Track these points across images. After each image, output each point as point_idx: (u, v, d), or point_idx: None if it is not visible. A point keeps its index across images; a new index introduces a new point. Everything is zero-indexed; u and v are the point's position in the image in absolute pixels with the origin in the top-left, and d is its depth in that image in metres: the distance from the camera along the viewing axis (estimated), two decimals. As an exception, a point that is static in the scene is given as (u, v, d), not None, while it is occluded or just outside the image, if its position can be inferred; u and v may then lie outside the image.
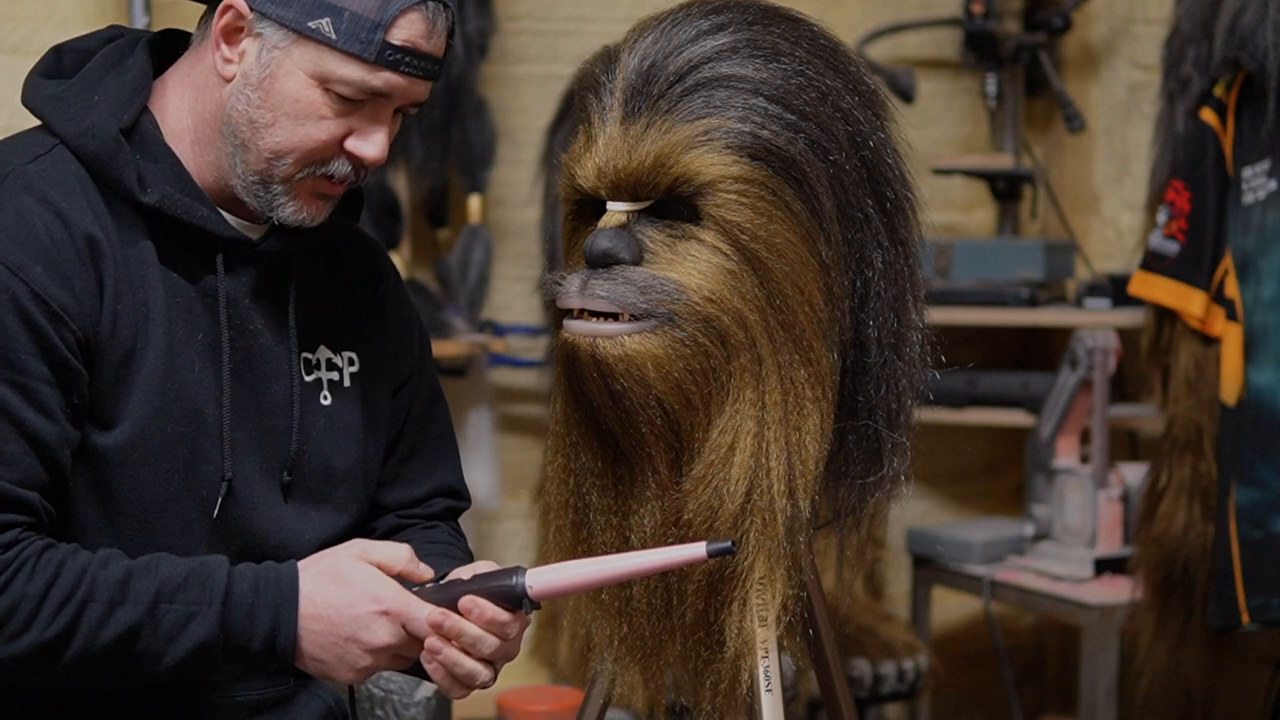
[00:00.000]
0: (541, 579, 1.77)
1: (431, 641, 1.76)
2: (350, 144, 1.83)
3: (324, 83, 1.80)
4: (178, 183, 1.84)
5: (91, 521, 1.80)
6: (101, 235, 1.79)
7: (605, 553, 1.89)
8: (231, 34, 1.83)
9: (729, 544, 1.74)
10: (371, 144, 1.83)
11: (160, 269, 1.83)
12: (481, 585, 1.77)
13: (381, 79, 1.80)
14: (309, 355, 1.94)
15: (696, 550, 1.75)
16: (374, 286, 2.02)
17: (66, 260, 1.77)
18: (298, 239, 1.90)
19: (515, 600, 1.76)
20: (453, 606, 1.76)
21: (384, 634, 1.76)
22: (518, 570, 1.77)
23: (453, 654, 1.76)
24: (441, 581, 1.80)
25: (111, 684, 1.77)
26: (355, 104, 1.82)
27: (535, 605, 1.77)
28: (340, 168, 1.84)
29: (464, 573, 1.81)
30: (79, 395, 1.77)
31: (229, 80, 1.83)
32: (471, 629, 1.76)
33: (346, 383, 1.96)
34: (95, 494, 1.80)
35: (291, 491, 1.90)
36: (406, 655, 1.78)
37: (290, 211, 1.84)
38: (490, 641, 1.76)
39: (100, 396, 1.79)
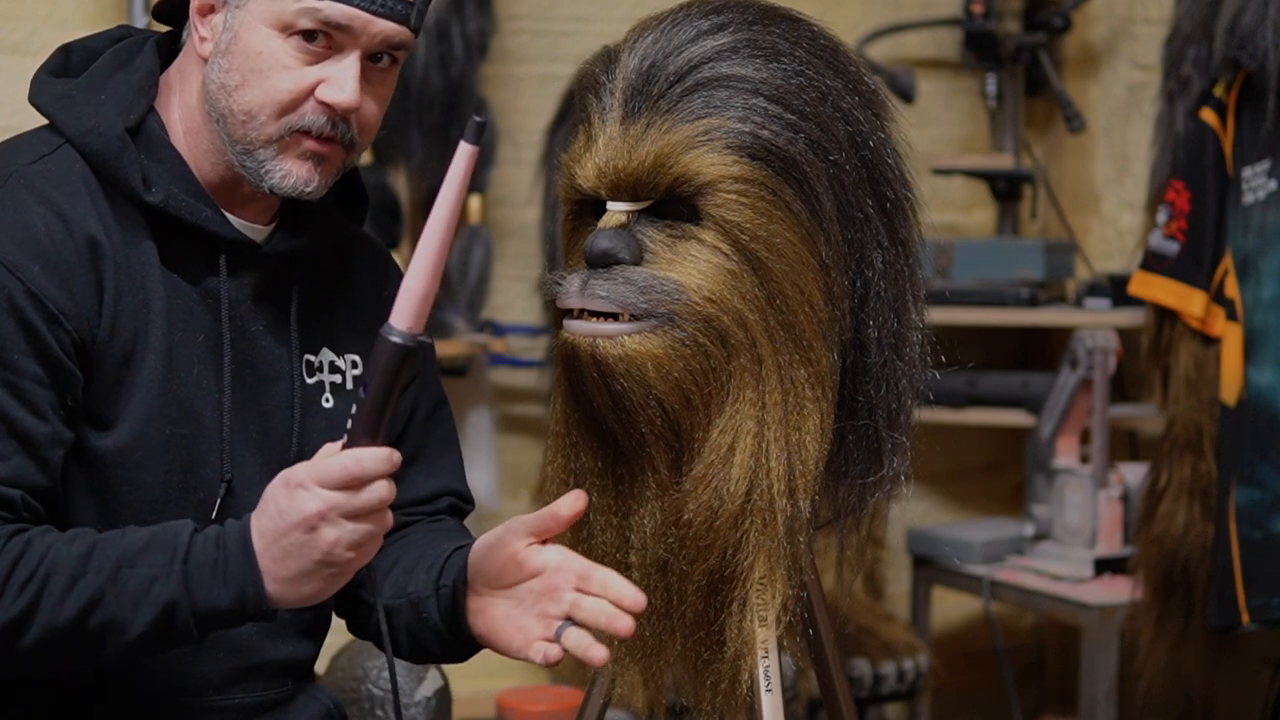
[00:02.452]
0: (404, 313, 1.67)
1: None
2: (320, 91, 1.80)
3: (285, 29, 1.78)
4: (182, 183, 1.84)
5: (90, 522, 1.79)
6: (103, 237, 1.79)
7: (605, 554, 1.89)
8: (205, 11, 1.83)
9: (479, 120, 1.69)
10: (338, 87, 1.80)
11: (162, 270, 1.82)
12: (375, 372, 1.67)
13: (336, 9, 1.78)
14: (311, 357, 1.93)
15: (465, 151, 1.68)
16: (379, 290, 2.01)
17: (66, 261, 1.76)
18: (302, 240, 1.89)
19: (407, 351, 1.66)
20: (378, 414, 1.66)
21: (308, 502, 1.66)
22: (385, 332, 1.67)
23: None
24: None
25: (82, 662, 1.74)
26: (320, 47, 1.79)
27: (417, 338, 1.67)
28: (315, 120, 1.80)
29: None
30: (73, 397, 1.76)
31: (206, 59, 1.83)
32: None
33: (349, 385, 1.96)
34: (93, 495, 1.80)
35: None
36: (352, 509, 1.65)
37: (279, 177, 1.82)
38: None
39: (98, 398, 1.79)
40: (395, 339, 1.67)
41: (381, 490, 1.67)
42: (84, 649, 1.71)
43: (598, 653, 1.70)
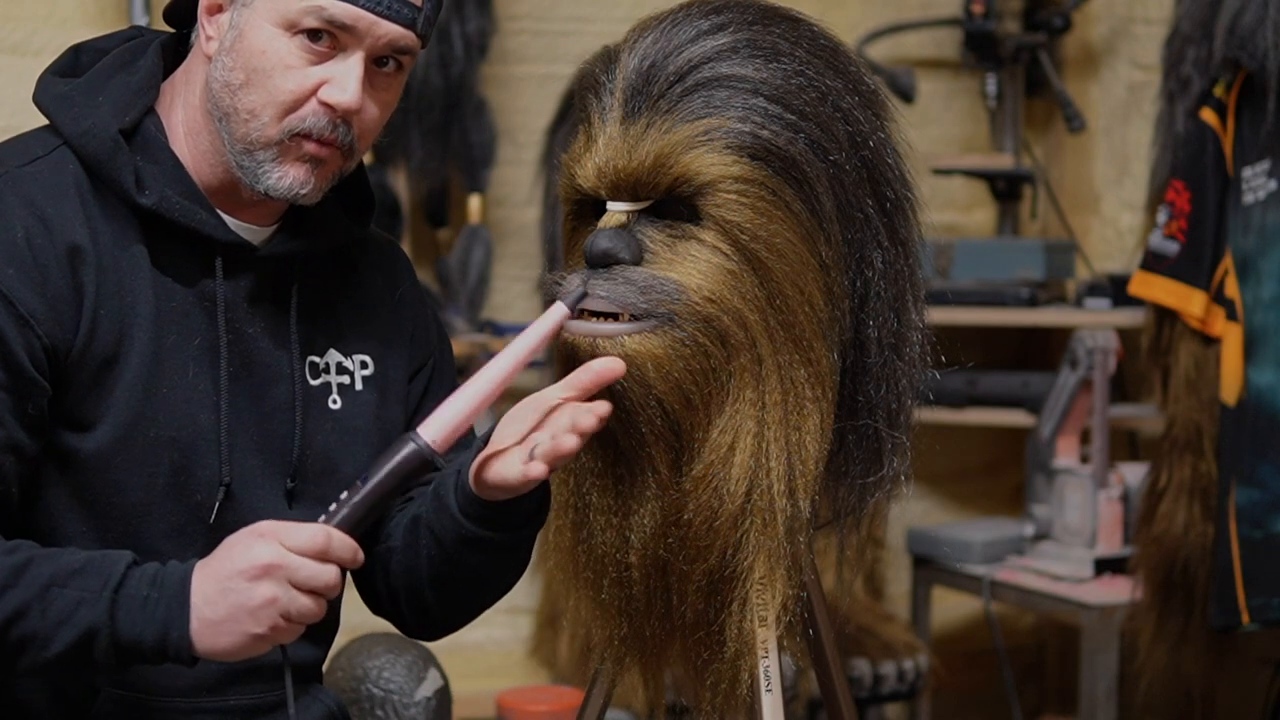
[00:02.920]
0: (435, 429, 1.73)
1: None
2: (322, 92, 1.79)
3: (290, 28, 1.78)
4: (177, 185, 1.83)
5: (74, 526, 1.79)
6: (88, 242, 1.78)
7: (605, 554, 1.89)
8: (213, 10, 1.83)
9: (579, 288, 1.75)
10: (340, 88, 1.79)
11: (153, 274, 1.81)
12: (384, 467, 1.71)
13: (341, 8, 1.77)
14: (315, 359, 1.91)
15: (558, 310, 1.75)
16: (391, 288, 1.99)
17: (43, 266, 1.75)
18: (301, 241, 1.88)
19: (423, 461, 1.72)
20: (367, 507, 1.71)
21: (263, 552, 1.66)
22: (412, 435, 1.72)
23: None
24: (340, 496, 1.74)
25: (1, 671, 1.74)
26: (325, 47, 1.78)
27: (436, 456, 1.73)
28: (316, 121, 1.79)
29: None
30: (35, 406, 1.75)
31: (211, 57, 1.82)
32: None
33: (358, 386, 1.94)
34: (76, 499, 1.79)
35: (296, 497, 1.88)
36: (301, 578, 1.67)
37: (276, 179, 1.81)
38: None
39: (78, 401, 1.78)
40: (418, 445, 1.72)
41: (334, 576, 1.69)
42: (1, 658, 1.71)
43: (568, 442, 1.71)
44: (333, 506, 1.72)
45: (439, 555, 1.90)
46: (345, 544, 1.70)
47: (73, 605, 1.69)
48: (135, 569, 1.71)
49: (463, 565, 1.89)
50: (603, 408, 1.73)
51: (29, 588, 1.68)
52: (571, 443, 1.71)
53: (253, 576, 1.67)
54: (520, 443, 1.75)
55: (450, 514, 1.85)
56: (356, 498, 1.72)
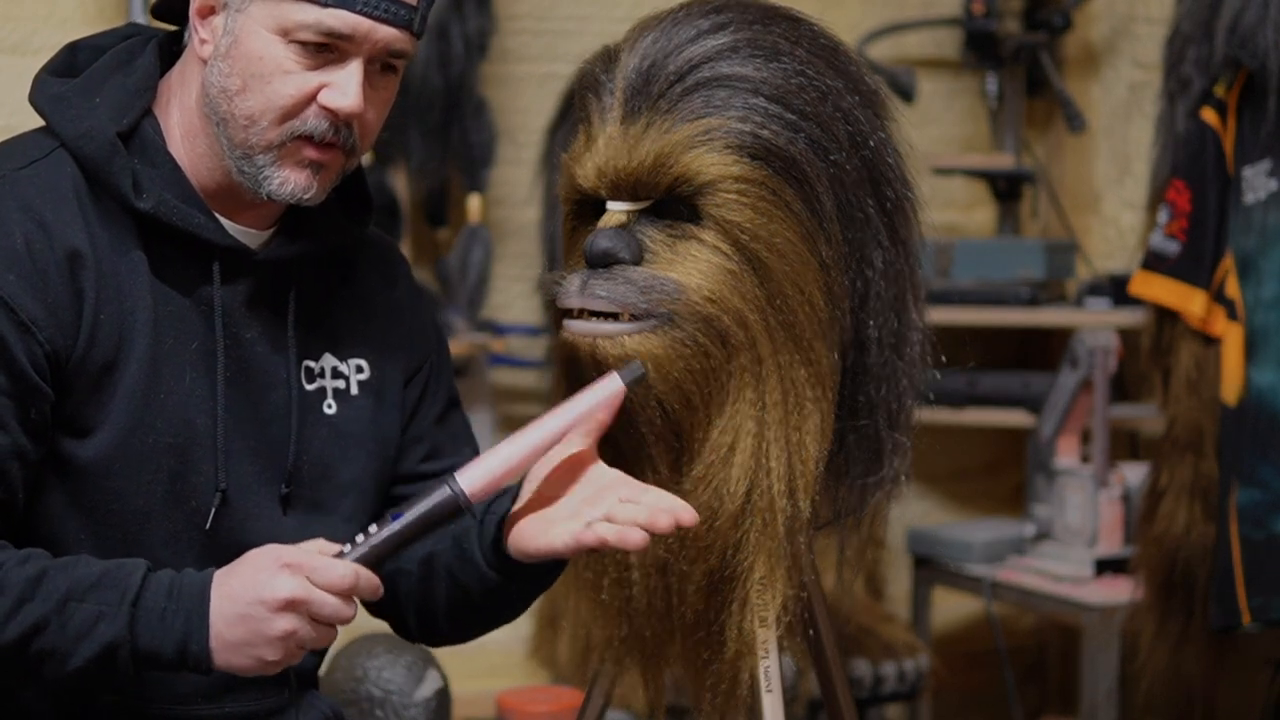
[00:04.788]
0: (473, 478, 1.72)
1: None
2: (323, 96, 1.78)
3: (286, 35, 1.77)
4: (175, 189, 1.81)
5: (73, 533, 1.78)
6: (87, 247, 1.77)
7: (605, 554, 1.88)
8: (205, 13, 1.81)
9: (639, 364, 1.74)
10: (341, 93, 1.77)
11: (151, 279, 1.80)
12: (417, 508, 1.71)
13: (338, 18, 1.76)
14: (311, 363, 1.90)
15: (613, 384, 1.73)
16: (389, 290, 1.98)
17: (43, 271, 1.74)
18: (300, 245, 1.87)
19: (455, 508, 1.71)
20: (393, 546, 1.70)
21: (286, 585, 1.66)
22: (449, 480, 1.72)
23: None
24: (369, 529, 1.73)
25: (18, 682, 1.74)
26: (323, 53, 1.77)
27: (471, 506, 1.72)
28: (317, 125, 1.78)
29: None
30: (37, 411, 1.74)
31: (206, 61, 1.81)
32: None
33: (354, 391, 1.93)
34: (75, 506, 1.78)
35: (291, 503, 1.87)
36: (324, 614, 1.67)
37: (277, 183, 1.79)
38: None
39: (78, 407, 1.77)
40: (455, 491, 1.71)
41: (353, 611, 1.69)
42: (21, 671, 1.71)
43: (635, 536, 1.67)
44: (360, 538, 1.71)
45: (459, 597, 1.90)
46: (371, 582, 1.69)
47: (92, 620, 1.68)
48: (151, 577, 1.71)
49: (484, 606, 1.89)
50: (641, 536, 1.68)
51: (46, 601, 1.68)
52: (639, 539, 1.68)
53: (275, 609, 1.67)
54: (572, 517, 1.73)
55: (475, 566, 1.85)
56: (384, 534, 1.71)
